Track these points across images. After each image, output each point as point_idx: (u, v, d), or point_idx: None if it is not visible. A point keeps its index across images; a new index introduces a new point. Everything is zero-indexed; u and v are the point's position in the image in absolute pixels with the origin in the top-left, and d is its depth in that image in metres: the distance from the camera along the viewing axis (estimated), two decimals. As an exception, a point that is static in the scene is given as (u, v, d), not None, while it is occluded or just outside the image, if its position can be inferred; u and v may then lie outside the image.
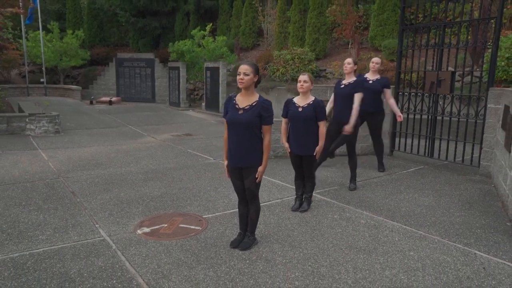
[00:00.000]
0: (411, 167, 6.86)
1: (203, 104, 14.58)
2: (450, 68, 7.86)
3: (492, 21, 6.46)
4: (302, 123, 4.54)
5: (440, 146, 6.98)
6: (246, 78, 3.44)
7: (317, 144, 4.60)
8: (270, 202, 5.08)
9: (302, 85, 4.56)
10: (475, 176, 6.30)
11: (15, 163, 6.96)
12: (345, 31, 14.85)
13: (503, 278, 3.24)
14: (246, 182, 3.62)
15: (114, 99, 16.44)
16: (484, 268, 3.39)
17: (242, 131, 3.49)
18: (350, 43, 14.83)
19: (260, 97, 3.58)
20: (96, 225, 4.32)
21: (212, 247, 3.82)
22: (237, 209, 3.85)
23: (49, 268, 3.36)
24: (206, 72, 13.98)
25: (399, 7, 13.89)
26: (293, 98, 4.78)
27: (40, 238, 3.96)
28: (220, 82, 13.30)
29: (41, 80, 18.77)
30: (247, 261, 3.53)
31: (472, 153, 6.56)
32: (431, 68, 7.24)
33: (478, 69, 6.93)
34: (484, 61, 9.33)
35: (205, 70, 14.09)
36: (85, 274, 3.27)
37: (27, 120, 9.84)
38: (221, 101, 13.39)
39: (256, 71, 3.51)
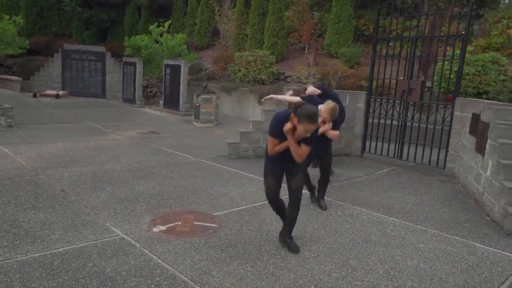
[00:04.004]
0: (384, 168, 7.37)
1: (161, 102, 14.23)
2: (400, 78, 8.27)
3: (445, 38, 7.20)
4: None
5: (409, 149, 7.59)
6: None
7: None
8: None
9: None
10: (441, 177, 6.94)
11: (-21, 159, 6.36)
12: (303, 37, 15.37)
13: (505, 265, 3.70)
14: None
15: (61, 92, 15.40)
16: (486, 257, 3.85)
17: None
18: (306, 49, 15.37)
19: None
20: (107, 224, 4.16)
21: (237, 243, 3.87)
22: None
23: (81, 267, 3.21)
24: (166, 70, 13.65)
25: (353, 17, 14.78)
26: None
27: (53, 237, 3.74)
28: (181, 80, 13.07)
29: (-28, 68, 17.05)
30: (279, 256, 3.65)
31: (438, 156, 7.23)
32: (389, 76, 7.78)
33: (453, 80, 7.46)
34: (435, 73, 10.24)
35: (164, 67, 13.75)
36: (123, 273, 3.18)
37: (-25, 112, 8.96)
38: (182, 100, 13.20)
39: None
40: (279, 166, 3.70)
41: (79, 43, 20.35)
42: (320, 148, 4.87)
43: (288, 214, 3.81)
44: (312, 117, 3.25)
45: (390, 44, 9.54)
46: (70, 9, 19.17)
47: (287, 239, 3.79)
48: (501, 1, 17.88)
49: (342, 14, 14.36)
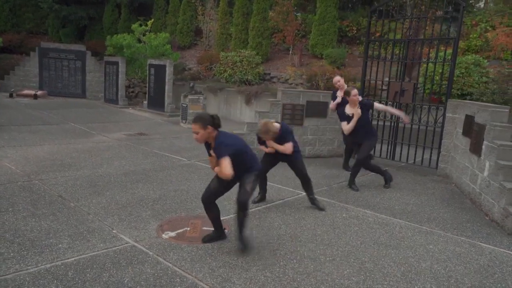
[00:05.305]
0: (377, 169, 7.46)
1: (145, 102, 13.97)
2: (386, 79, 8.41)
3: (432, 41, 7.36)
4: None
5: (401, 150, 7.71)
6: (197, 136, 3.50)
7: None
8: (276, 203, 5.18)
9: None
10: (434, 177, 7.09)
11: (-36, 163, 6.06)
12: (287, 37, 15.41)
13: (514, 264, 3.80)
14: None
15: (39, 92, 14.87)
16: (494, 257, 3.94)
17: None
18: (291, 49, 15.43)
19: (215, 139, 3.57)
20: (114, 231, 4.03)
21: (251, 248, 3.82)
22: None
23: (97, 278, 3.09)
24: (150, 70, 13.40)
25: (337, 19, 14.94)
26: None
27: (61, 246, 3.58)
28: (167, 80, 12.86)
29: None
30: (295, 261, 3.62)
31: (431, 156, 7.38)
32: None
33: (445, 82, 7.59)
34: (420, 74, 10.46)
35: (148, 67, 13.49)
36: (142, 282, 3.08)
37: (-47, 113, 8.53)
38: (167, 100, 12.99)
39: (204, 124, 3.48)
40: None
41: (55, 41, 19.74)
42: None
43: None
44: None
45: (375, 46, 9.69)
46: (46, 6, 18.56)
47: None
48: (475, 5, 18.51)
49: (326, 15, 14.46)
